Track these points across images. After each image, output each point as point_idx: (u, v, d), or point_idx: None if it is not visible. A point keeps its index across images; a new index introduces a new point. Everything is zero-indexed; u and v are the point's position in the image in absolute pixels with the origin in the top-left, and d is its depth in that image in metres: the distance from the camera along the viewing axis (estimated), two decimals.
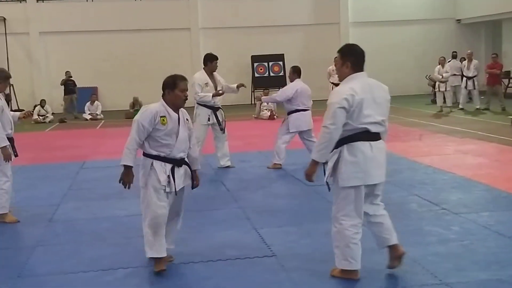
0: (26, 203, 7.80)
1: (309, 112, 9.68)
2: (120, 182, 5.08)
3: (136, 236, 6.04)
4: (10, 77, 7.24)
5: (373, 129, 4.52)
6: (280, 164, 9.56)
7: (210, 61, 9.40)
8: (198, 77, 9.35)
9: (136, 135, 4.96)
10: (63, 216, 7.05)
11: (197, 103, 9.38)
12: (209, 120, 9.37)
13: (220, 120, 9.46)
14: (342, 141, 4.51)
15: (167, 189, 4.96)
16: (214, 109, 9.40)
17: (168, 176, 4.94)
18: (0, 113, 6.70)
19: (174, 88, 5.00)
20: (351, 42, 21.11)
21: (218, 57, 9.55)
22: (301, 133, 9.66)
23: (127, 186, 5.11)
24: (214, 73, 9.47)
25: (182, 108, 5.13)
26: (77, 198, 7.98)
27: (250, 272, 4.98)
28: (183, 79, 5.09)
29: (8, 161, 6.70)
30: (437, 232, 5.89)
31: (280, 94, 9.86)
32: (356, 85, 4.48)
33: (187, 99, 5.07)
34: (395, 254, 4.82)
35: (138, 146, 5.04)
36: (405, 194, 7.53)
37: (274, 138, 9.84)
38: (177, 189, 4.99)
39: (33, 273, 5.14)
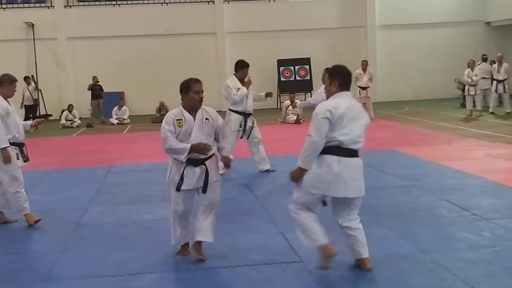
0: (54, 206, 7.86)
1: None
2: None
3: (164, 240, 6.04)
4: (16, 80, 7.34)
5: (346, 145, 4.71)
6: None
7: (241, 68, 9.36)
8: (230, 82, 9.36)
9: (169, 140, 5.26)
10: (90, 220, 7.07)
11: (229, 109, 9.37)
12: (240, 126, 9.36)
13: (251, 125, 9.44)
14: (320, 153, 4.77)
15: (183, 187, 5.23)
16: (246, 115, 9.39)
17: (181, 175, 5.22)
18: (5, 116, 6.72)
19: (188, 91, 5.24)
20: (378, 45, 21.19)
21: (249, 64, 9.52)
22: None
23: None
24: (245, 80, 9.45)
25: (205, 107, 5.35)
26: (105, 202, 8.01)
27: (277, 278, 4.93)
28: (197, 81, 5.31)
29: (7, 163, 6.65)
30: (467, 238, 5.77)
31: (315, 97, 9.53)
32: (340, 101, 4.78)
33: (202, 100, 5.29)
34: (361, 266, 5.00)
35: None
36: (434, 199, 7.42)
37: (301, 142, 9.76)
38: (190, 188, 5.28)
39: (60, 276, 5.15)
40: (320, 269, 4.88)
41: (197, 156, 5.22)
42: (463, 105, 18.62)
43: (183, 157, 5.21)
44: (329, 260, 4.82)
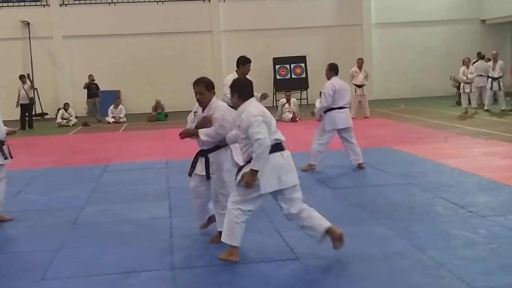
0: (50, 205, 7.85)
1: (346, 110, 9.41)
2: None
3: (160, 239, 6.06)
4: None
5: (282, 139, 5.22)
6: (314, 166, 9.37)
7: (243, 64, 9.25)
8: (229, 79, 9.25)
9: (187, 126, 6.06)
10: (87, 219, 7.07)
11: (229, 106, 9.32)
12: None
13: None
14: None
15: (195, 172, 5.95)
16: None
17: (193, 162, 5.96)
18: None
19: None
20: (374, 43, 21.17)
21: (251, 60, 9.44)
22: (339, 132, 9.40)
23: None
24: (246, 76, 9.37)
25: (218, 104, 5.90)
26: (101, 201, 8.00)
27: (273, 276, 4.93)
28: (195, 83, 5.89)
29: None
30: (464, 235, 5.78)
31: (323, 100, 9.31)
32: (257, 105, 5.24)
33: (199, 100, 5.88)
34: (334, 236, 5.23)
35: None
36: (430, 197, 7.43)
37: (296, 140, 9.79)
38: (197, 173, 5.91)
39: (57, 275, 5.14)
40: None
41: (201, 148, 5.88)
42: (459, 103, 18.66)
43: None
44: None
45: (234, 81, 5.59)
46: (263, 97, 9.66)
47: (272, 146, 5.04)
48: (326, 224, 5.23)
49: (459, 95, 18.47)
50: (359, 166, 9.36)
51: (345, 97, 9.37)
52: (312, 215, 5.28)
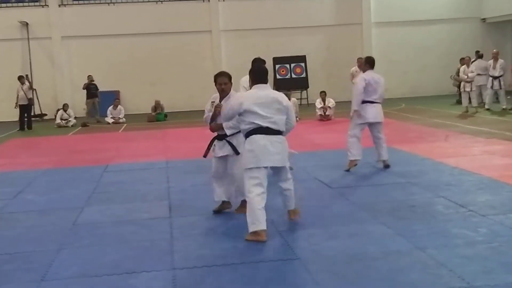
0: (50, 206, 7.84)
1: (377, 104, 9.22)
2: None
3: (160, 239, 6.05)
4: None
5: (265, 125, 5.88)
6: (355, 161, 9.22)
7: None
8: (244, 80, 9.30)
9: (205, 115, 6.98)
10: (87, 219, 7.06)
11: None
12: None
13: None
14: (245, 136, 6.01)
15: (214, 155, 6.89)
16: None
17: (209, 145, 6.96)
18: None
19: (215, 83, 6.81)
20: (373, 42, 21.14)
21: (265, 61, 9.48)
22: (370, 126, 9.29)
23: None
24: None
25: (233, 94, 6.75)
26: (101, 201, 8.00)
27: (274, 275, 4.92)
28: (220, 74, 6.83)
29: None
30: (464, 234, 5.78)
31: (355, 92, 9.23)
32: (252, 92, 6.06)
33: (223, 90, 6.74)
34: (291, 215, 6.44)
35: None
36: (431, 195, 7.42)
37: (297, 139, 9.77)
38: (216, 156, 6.84)
39: (57, 276, 5.14)
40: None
41: (220, 132, 6.74)
42: (459, 102, 18.64)
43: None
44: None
45: (253, 63, 7.12)
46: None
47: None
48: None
49: (460, 94, 18.45)
50: (384, 164, 9.29)
51: (377, 91, 9.18)
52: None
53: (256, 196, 5.84)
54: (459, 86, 18.65)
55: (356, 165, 9.23)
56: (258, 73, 6.18)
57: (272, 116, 5.91)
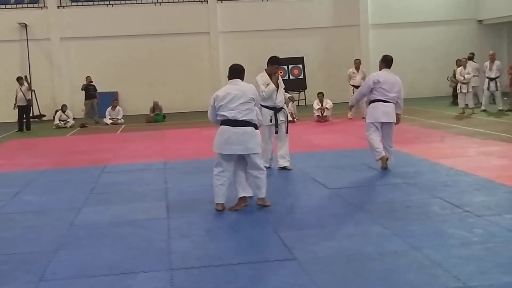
0: (48, 206, 7.85)
1: (390, 104, 9.05)
2: None
3: (157, 240, 6.06)
4: None
5: (231, 117, 6.79)
6: (385, 156, 9.02)
7: (271, 63, 9.43)
8: (259, 78, 9.36)
9: None
10: (84, 220, 7.07)
11: (260, 104, 9.35)
12: (271, 121, 9.31)
13: (283, 120, 9.45)
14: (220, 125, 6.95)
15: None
16: (276, 109, 9.36)
17: None
18: None
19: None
20: (371, 44, 21.19)
21: (280, 61, 9.55)
22: (382, 128, 9.15)
23: None
24: (276, 74, 9.48)
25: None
26: (99, 202, 8.01)
27: (271, 276, 4.95)
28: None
29: None
30: (460, 234, 5.80)
31: (360, 88, 9.23)
32: (227, 88, 6.97)
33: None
34: (260, 203, 7.15)
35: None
36: (427, 196, 7.45)
37: (293, 140, 9.76)
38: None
39: (54, 277, 5.15)
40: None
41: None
42: (455, 103, 18.68)
43: None
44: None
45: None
46: (290, 99, 9.73)
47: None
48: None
49: (455, 95, 18.49)
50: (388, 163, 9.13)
51: (390, 90, 9.03)
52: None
53: (215, 175, 7.06)
54: (454, 88, 18.68)
55: (387, 159, 9.07)
56: (231, 71, 7.11)
57: (238, 108, 6.80)
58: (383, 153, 8.99)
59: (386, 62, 9.33)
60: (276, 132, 9.45)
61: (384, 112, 9.03)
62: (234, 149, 6.86)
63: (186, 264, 5.29)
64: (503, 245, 5.45)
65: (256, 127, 7.05)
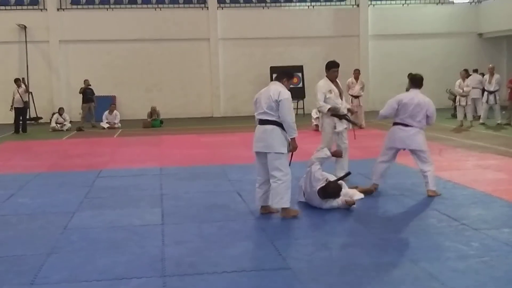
0: (42, 210, 7.81)
1: (411, 128, 8.06)
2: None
3: (151, 246, 6.02)
4: None
5: (258, 117, 7.08)
6: (374, 185, 8.31)
7: (328, 68, 9.14)
8: (321, 85, 9.01)
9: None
10: (78, 224, 7.03)
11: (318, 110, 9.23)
12: (335, 128, 9.07)
13: (346, 126, 9.13)
14: None
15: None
16: (339, 117, 9.05)
17: None
18: None
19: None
20: (370, 54, 21.26)
21: (339, 64, 9.26)
22: (411, 154, 8.31)
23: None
24: (337, 80, 9.31)
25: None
26: (93, 206, 7.96)
27: (265, 284, 4.90)
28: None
29: None
30: (456, 247, 5.77)
31: (385, 107, 8.43)
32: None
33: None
34: (267, 210, 7.21)
35: None
36: (424, 208, 7.42)
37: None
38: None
39: (46, 280, 5.11)
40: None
41: None
42: (454, 116, 18.67)
43: None
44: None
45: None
46: (349, 111, 9.40)
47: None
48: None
49: (455, 108, 18.48)
50: (427, 193, 8.11)
51: (416, 114, 8.07)
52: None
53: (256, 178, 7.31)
54: (454, 100, 18.68)
55: (372, 191, 8.23)
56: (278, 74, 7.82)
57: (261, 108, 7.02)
58: (375, 182, 8.34)
59: (414, 81, 8.46)
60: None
61: (401, 138, 8.12)
62: (257, 146, 7.08)
63: (180, 271, 5.25)
64: (500, 259, 5.42)
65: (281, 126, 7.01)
